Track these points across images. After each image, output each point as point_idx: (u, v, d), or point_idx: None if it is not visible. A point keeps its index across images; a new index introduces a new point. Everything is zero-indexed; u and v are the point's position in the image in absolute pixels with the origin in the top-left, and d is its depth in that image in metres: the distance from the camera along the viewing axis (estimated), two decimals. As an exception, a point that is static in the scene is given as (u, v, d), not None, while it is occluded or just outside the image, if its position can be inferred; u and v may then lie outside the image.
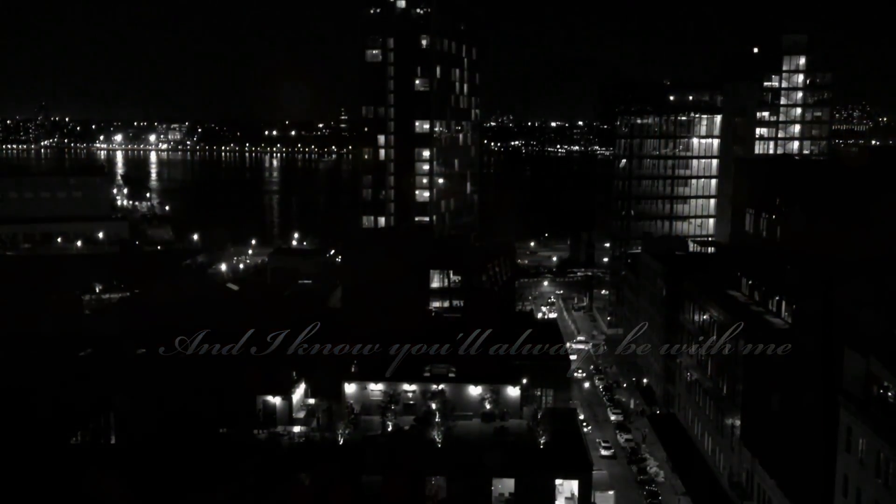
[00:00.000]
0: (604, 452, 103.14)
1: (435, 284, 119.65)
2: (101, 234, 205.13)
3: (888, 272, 67.84)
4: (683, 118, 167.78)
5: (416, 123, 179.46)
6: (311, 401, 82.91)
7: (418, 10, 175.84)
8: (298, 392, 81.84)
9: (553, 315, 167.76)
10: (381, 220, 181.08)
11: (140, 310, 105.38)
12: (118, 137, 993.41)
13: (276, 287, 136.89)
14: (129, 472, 63.78)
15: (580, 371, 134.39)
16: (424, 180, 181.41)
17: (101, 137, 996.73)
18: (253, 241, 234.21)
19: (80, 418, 70.10)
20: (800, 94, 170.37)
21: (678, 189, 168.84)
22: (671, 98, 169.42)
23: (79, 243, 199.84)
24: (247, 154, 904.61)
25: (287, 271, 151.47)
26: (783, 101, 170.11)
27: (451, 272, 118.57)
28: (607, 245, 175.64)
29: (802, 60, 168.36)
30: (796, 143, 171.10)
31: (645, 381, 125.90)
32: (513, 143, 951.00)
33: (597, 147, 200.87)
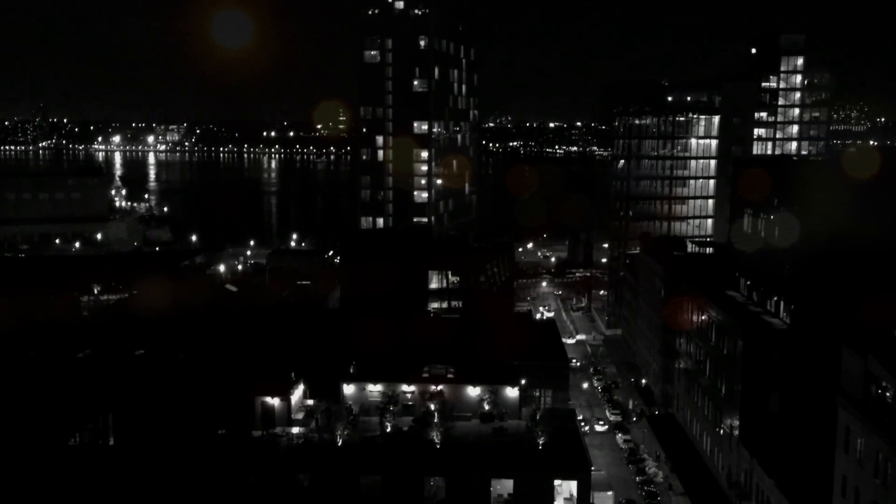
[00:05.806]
0: (599, 428, 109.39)
1: (433, 285, 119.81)
2: (99, 236, 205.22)
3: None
4: (681, 119, 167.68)
5: (415, 124, 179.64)
6: (310, 402, 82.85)
7: (416, 11, 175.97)
8: (297, 393, 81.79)
9: (551, 314, 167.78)
10: (380, 221, 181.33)
11: (139, 311, 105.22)
12: (116, 138, 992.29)
13: (274, 288, 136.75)
14: (127, 474, 63.74)
15: (574, 360, 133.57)
16: (423, 181, 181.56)
17: (100, 139, 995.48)
18: (251, 242, 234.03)
19: (79, 419, 69.96)
20: (798, 95, 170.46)
21: (676, 189, 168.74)
22: (669, 98, 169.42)
23: (77, 244, 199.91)
24: (245, 155, 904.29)
25: (286, 272, 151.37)
26: (781, 101, 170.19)
27: (450, 273, 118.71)
28: (606, 245, 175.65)
29: (800, 61, 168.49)
30: (794, 144, 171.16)
31: (643, 381, 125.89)
32: (511, 144, 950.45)
33: (595, 148, 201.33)
